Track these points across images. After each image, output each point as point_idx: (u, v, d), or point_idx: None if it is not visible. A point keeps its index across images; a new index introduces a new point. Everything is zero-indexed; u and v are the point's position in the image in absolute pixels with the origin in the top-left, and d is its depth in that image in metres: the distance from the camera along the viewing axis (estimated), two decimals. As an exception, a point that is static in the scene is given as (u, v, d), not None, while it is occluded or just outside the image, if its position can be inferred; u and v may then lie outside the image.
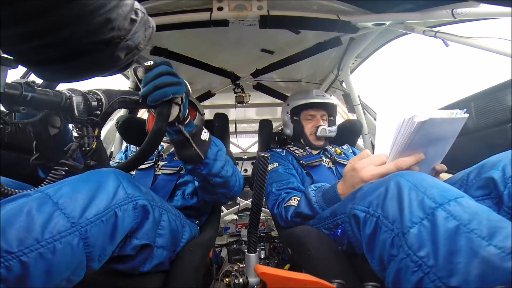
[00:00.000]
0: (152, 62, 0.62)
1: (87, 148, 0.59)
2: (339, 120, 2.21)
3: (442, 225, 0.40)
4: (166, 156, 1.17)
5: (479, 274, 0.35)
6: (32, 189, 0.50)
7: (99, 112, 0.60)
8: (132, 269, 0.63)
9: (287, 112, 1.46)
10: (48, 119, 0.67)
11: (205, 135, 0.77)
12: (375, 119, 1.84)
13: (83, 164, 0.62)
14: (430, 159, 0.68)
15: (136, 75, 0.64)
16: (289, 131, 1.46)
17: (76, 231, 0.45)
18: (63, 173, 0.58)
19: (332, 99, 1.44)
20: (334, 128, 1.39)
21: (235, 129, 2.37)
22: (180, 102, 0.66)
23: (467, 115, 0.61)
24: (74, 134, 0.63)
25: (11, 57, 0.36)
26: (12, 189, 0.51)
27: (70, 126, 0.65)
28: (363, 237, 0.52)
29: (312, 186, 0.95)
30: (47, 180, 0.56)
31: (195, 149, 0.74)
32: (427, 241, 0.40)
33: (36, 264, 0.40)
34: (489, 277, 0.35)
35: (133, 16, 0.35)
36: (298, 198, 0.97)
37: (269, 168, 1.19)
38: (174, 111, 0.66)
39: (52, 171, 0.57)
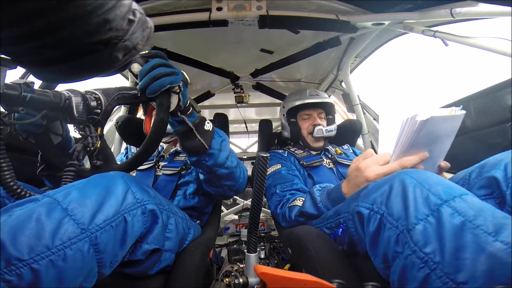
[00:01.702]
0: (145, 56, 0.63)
1: (92, 148, 0.59)
2: (339, 120, 2.22)
3: (448, 221, 0.40)
4: (167, 156, 1.17)
5: (487, 270, 0.35)
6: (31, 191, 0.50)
7: (98, 111, 0.60)
8: (141, 273, 0.63)
9: (284, 115, 1.46)
10: (50, 127, 0.67)
11: (208, 125, 0.77)
12: (374, 119, 1.84)
13: (90, 165, 0.62)
14: (435, 157, 0.68)
15: (131, 70, 0.64)
16: (286, 133, 1.46)
17: (86, 238, 0.44)
18: (73, 174, 0.58)
19: (327, 97, 1.43)
20: (333, 127, 1.36)
21: (246, 128, 2.37)
22: (178, 91, 0.66)
23: (464, 111, 0.62)
24: (77, 136, 0.63)
25: (10, 58, 0.36)
26: (29, 192, 0.51)
27: (72, 128, 0.66)
28: (367, 234, 0.52)
29: (317, 186, 0.95)
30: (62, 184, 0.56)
31: (199, 139, 0.74)
32: (433, 238, 0.40)
33: (48, 272, 0.40)
34: (496, 272, 0.35)
35: (131, 17, 0.35)
36: (303, 199, 0.97)
37: (271, 170, 1.19)
38: (174, 100, 0.66)
39: (64, 175, 0.57)
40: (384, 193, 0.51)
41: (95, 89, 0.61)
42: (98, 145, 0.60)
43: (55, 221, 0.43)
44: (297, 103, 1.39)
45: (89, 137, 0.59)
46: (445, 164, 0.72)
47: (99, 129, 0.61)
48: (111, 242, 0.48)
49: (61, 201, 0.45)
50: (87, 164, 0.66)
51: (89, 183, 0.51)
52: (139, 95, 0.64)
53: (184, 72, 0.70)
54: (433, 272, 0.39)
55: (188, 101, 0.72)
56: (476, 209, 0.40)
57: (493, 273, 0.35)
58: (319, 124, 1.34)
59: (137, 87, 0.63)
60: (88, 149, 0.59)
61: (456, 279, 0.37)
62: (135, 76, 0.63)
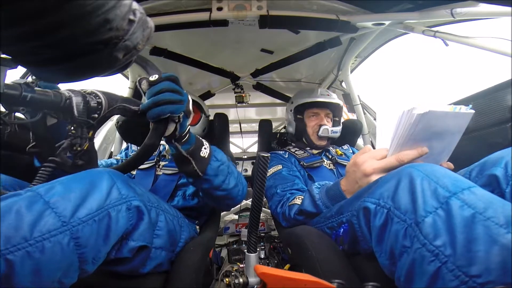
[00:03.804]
0: (156, 77, 0.61)
1: (78, 148, 0.59)
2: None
3: (458, 214, 0.40)
4: (168, 156, 1.17)
5: (501, 262, 0.35)
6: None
7: (98, 113, 0.60)
8: (131, 271, 0.63)
9: (291, 110, 1.45)
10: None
11: (204, 151, 0.76)
12: (375, 119, 1.84)
13: (72, 163, 0.61)
14: (436, 155, 0.67)
15: (140, 87, 0.63)
16: (291, 129, 1.46)
17: (67, 231, 0.44)
18: (51, 170, 0.57)
19: (337, 99, 1.43)
20: (338, 128, 1.37)
21: (240, 128, 2.37)
22: (177, 121, 0.65)
23: (472, 111, 0.60)
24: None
25: (10, 57, 0.36)
26: (4, 190, 0.51)
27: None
28: (373, 229, 0.51)
29: (316, 184, 0.95)
30: (36, 180, 0.55)
31: (194, 167, 0.74)
32: (443, 230, 0.40)
33: (23, 263, 0.39)
34: (510, 265, 0.34)
35: (131, 17, 0.35)
36: (302, 197, 0.97)
37: (272, 171, 1.19)
38: (171, 127, 0.66)
39: (41, 169, 0.56)
40: (391, 188, 0.50)
41: (99, 91, 0.61)
42: (85, 147, 0.60)
43: (35, 213, 0.42)
44: (308, 100, 1.38)
45: (78, 138, 0.58)
46: (447, 165, 0.70)
47: (90, 132, 0.61)
48: (94, 236, 0.48)
49: (43, 194, 0.45)
50: None
51: (74, 178, 0.51)
52: (139, 113, 0.64)
53: (190, 100, 0.69)
54: (444, 266, 0.38)
55: (186, 130, 0.71)
56: (485, 201, 0.40)
57: (507, 265, 0.34)
58: (325, 124, 1.34)
59: (140, 106, 0.63)
60: (74, 148, 0.59)
61: (469, 272, 0.36)
62: (144, 93, 0.63)
